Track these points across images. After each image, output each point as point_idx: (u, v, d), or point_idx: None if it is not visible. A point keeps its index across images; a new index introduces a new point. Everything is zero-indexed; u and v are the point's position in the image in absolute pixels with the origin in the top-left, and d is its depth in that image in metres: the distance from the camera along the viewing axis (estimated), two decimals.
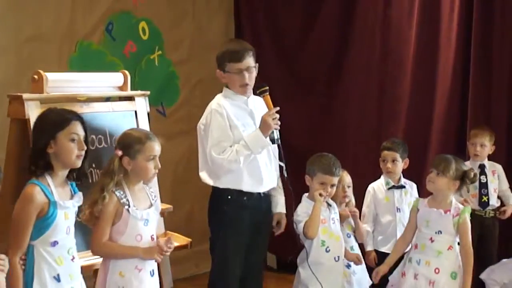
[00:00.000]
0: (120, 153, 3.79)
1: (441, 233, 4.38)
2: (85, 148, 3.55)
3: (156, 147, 3.85)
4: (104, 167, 3.87)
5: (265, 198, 4.55)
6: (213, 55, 4.51)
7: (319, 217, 4.46)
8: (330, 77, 6.60)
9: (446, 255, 4.37)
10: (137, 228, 3.79)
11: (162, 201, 4.68)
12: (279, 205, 4.64)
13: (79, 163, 3.56)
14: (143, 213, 3.81)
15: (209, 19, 6.79)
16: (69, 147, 3.51)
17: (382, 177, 5.38)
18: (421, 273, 4.38)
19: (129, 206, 3.77)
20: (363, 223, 5.23)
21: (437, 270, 4.35)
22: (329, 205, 4.59)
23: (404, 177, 5.34)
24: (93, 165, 4.37)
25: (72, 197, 3.62)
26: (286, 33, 6.81)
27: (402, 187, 5.27)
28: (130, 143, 3.83)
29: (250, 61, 4.42)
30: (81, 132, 3.55)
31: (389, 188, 5.30)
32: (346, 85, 6.52)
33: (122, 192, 3.78)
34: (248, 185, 4.43)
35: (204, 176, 4.49)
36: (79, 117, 3.59)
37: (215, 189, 4.49)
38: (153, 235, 3.86)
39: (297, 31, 6.75)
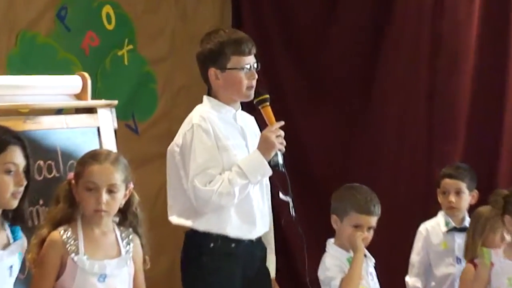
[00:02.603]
0: (71, 175, 3.52)
1: None
2: (25, 183, 3.21)
3: (97, 172, 3.45)
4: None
5: (259, 244, 4.16)
6: None
7: (361, 272, 4.07)
8: (360, 80, 6.11)
9: None
10: (88, 286, 3.44)
11: None
12: (270, 268, 4.32)
13: (15, 203, 3.20)
14: (98, 264, 3.43)
15: (197, 4, 6.32)
16: (2, 182, 3.17)
17: (439, 214, 4.97)
18: None
19: (77, 254, 3.43)
20: (411, 275, 4.94)
21: None
22: (364, 255, 4.18)
23: (469, 216, 4.90)
24: (40, 202, 3.94)
25: (6, 246, 3.24)
26: (301, 23, 6.28)
27: (467, 229, 4.74)
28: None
29: (253, 56, 4.13)
30: (20, 160, 3.21)
31: (448, 231, 4.89)
32: (382, 90, 6.00)
33: (71, 234, 3.44)
34: (236, 229, 4.03)
35: (175, 219, 4.08)
36: (18, 140, 3.26)
37: (190, 235, 4.05)
38: None
39: (316, 20, 6.24)
